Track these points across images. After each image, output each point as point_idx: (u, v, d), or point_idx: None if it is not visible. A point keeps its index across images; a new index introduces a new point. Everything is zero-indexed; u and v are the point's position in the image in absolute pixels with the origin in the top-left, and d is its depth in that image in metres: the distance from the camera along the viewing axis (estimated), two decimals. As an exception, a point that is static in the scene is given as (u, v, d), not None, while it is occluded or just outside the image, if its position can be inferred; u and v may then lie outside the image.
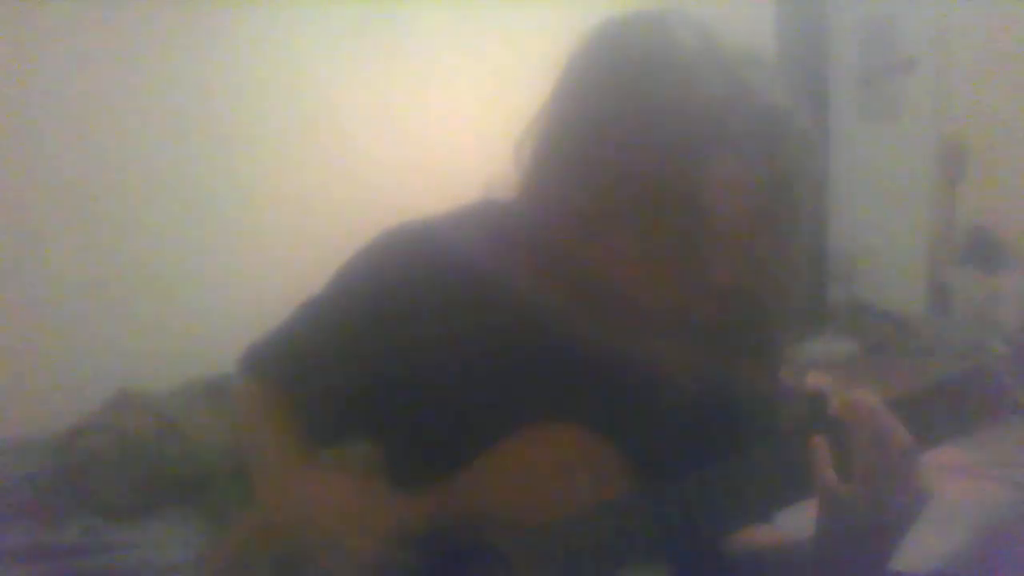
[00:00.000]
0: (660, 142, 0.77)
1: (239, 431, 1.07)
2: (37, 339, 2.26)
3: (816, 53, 4.06)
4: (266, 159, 2.62)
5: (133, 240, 2.43)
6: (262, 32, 2.60)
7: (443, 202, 0.99)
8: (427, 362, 0.93)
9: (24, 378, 2.20)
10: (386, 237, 0.99)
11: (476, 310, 0.92)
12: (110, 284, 2.38)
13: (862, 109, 4.07)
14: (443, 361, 0.93)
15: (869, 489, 0.77)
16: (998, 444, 2.09)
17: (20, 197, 2.25)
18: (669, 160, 0.77)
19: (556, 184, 0.82)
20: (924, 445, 0.81)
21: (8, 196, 2.23)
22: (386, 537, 0.87)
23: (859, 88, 4.06)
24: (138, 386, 2.24)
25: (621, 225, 0.79)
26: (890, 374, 3.28)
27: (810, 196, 0.83)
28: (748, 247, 0.80)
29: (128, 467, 2.06)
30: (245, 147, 2.59)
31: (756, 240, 0.80)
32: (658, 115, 0.77)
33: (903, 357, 3.65)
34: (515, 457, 0.89)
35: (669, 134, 0.77)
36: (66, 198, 2.32)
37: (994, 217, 3.71)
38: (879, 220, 4.01)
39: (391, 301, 0.94)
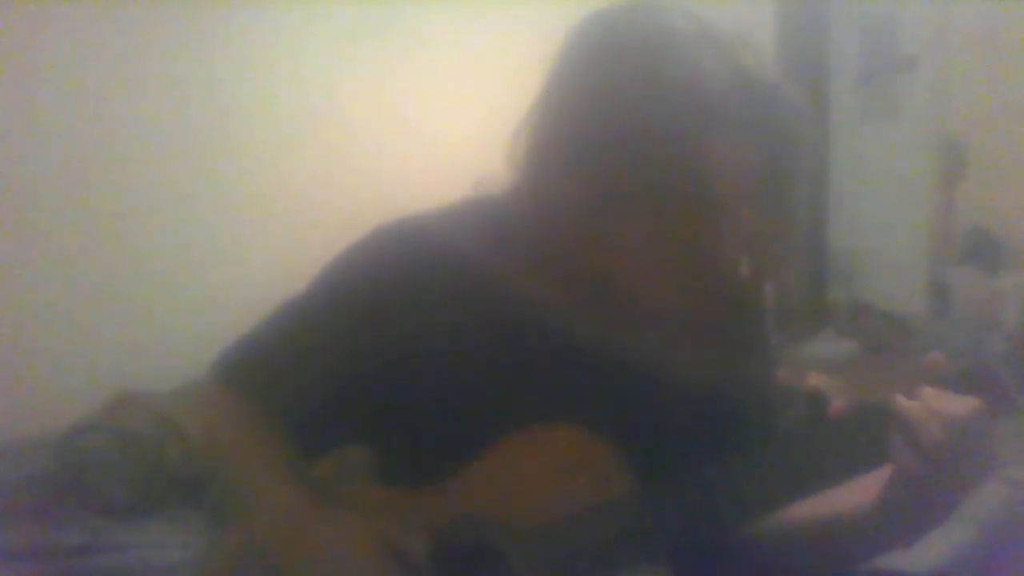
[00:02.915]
0: (654, 127, 0.76)
1: (213, 444, 1.01)
2: (37, 339, 2.26)
3: (816, 53, 4.06)
4: (268, 159, 2.62)
5: (134, 239, 2.43)
6: (263, 31, 2.60)
7: (440, 199, 0.99)
8: (421, 361, 0.92)
9: (24, 378, 2.20)
10: (380, 233, 0.98)
11: (471, 307, 0.92)
12: (110, 284, 2.37)
13: (862, 109, 4.06)
14: (438, 360, 0.92)
15: (940, 466, 0.77)
16: (998, 444, 2.08)
17: (20, 196, 2.25)
18: (664, 144, 0.76)
19: (551, 176, 0.82)
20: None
21: (8, 195, 2.22)
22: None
23: (859, 88, 4.06)
24: (138, 386, 2.24)
25: (617, 215, 0.79)
26: (890, 374, 3.27)
27: (807, 172, 0.83)
28: (746, 229, 0.80)
29: (128, 467, 2.05)
30: (248, 147, 2.58)
31: (755, 220, 0.80)
32: (651, 99, 0.77)
33: (903, 357, 3.64)
34: (513, 457, 0.89)
35: (663, 118, 0.76)
36: (67, 197, 2.32)
37: (994, 217, 3.71)
38: (879, 220, 4.00)
39: (385, 298, 0.93)
